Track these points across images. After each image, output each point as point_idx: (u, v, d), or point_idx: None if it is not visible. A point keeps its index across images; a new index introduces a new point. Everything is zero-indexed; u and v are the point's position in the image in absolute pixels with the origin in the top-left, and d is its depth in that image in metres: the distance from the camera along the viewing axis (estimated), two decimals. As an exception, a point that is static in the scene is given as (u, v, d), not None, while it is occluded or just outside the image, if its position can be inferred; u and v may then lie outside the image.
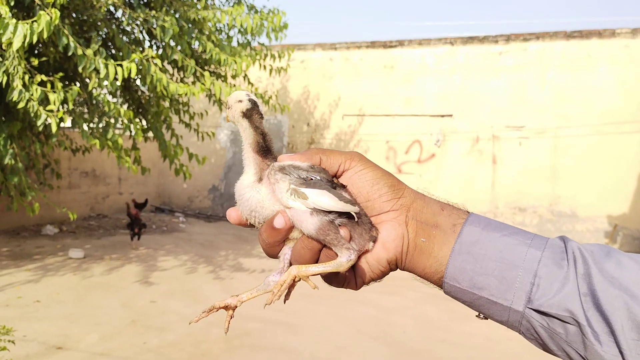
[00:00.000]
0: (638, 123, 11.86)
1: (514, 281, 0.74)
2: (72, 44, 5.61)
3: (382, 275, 0.84)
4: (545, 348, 0.76)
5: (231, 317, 0.90)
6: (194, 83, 8.03)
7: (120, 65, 5.98)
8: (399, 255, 0.82)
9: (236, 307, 0.89)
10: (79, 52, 5.67)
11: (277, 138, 15.27)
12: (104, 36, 7.55)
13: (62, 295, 6.80)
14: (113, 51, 7.66)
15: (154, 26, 6.73)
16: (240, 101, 0.89)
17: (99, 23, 7.06)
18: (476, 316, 0.84)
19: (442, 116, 13.56)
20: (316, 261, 0.84)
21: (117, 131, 6.85)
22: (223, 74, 8.71)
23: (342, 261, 0.80)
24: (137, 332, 5.63)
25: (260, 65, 9.01)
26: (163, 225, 13.20)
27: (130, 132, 6.77)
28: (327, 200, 0.80)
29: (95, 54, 5.97)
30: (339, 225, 0.81)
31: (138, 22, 6.94)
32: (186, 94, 6.74)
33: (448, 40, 13.64)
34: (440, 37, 13.74)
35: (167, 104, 8.67)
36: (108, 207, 14.46)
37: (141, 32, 7.43)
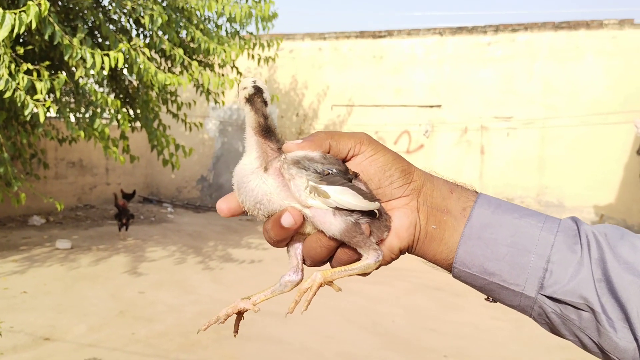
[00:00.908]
0: (625, 114, 11.95)
1: (526, 267, 0.73)
2: (58, 33, 5.53)
3: (391, 261, 0.82)
4: (556, 332, 0.76)
5: (242, 319, 0.86)
6: (181, 72, 7.96)
7: (107, 55, 5.91)
8: (410, 243, 0.80)
9: (248, 310, 0.84)
10: (65, 41, 5.59)
11: (266, 128, 15.18)
12: (90, 25, 7.46)
13: (49, 286, 6.75)
14: (99, 40, 7.57)
15: (142, 14, 6.65)
16: (245, 88, 0.85)
17: (85, 11, 6.97)
18: (485, 299, 0.83)
19: (431, 107, 13.58)
20: (331, 257, 0.81)
21: (103, 121, 6.77)
22: (211, 63, 8.64)
23: (369, 263, 0.77)
24: (125, 322, 5.61)
25: (249, 54, 8.95)
26: (151, 216, 13.14)
27: (118, 121, 6.70)
28: (350, 199, 0.75)
29: (81, 43, 5.89)
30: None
31: (125, 11, 6.85)
32: (174, 84, 6.68)
33: (437, 30, 13.63)
34: (429, 27, 13.72)
35: (154, 93, 8.60)
36: (95, 197, 14.35)
37: (128, 20, 7.35)
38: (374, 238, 0.78)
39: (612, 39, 12.24)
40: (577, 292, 0.70)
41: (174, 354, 4.89)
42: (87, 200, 14.11)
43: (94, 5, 7.28)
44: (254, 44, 8.80)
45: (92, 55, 5.73)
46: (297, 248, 0.83)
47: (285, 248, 0.84)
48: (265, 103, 0.84)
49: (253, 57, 9.02)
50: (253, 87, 0.84)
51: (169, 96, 8.83)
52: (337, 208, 0.76)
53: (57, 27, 5.53)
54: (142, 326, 5.51)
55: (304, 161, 0.78)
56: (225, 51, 7.25)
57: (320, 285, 0.78)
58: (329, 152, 0.80)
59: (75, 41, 5.70)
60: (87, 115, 6.87)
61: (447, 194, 0.81)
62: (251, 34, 9.01)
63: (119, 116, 6.56)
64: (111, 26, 7.28)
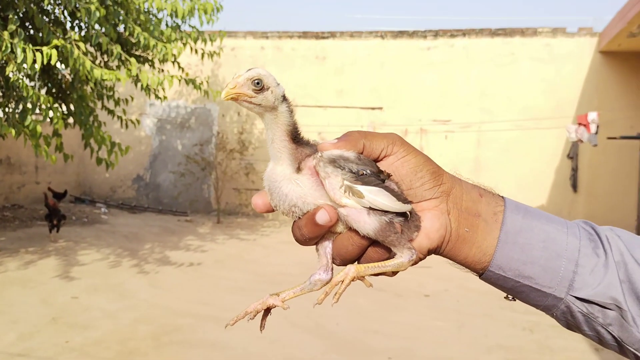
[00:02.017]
0: (557, 119, 12.47)
1: (558, 270, 0.78)
2: (-15, 23, 5.18)
3: (419, 261, 0.82)
4: (573, 328, 0.82)
5: (269, 315, 0.86)
6: (118, 67, 7.66)
7: (40, 51, 5.58)
8: (440, 244, 0.82)
9: (276, 307, 0.84)
10: (-6, 33, 5.25)
11: (206, 127, 14.93)
12: (22, 16, 7.04)
13: (-27, 292, 6.34)
14: (32, 32, 7.16)
15: (77, 7, 6.33)
16: (278, 84, 0.82)
17: (17, 1, 6.57)
18: (505, 297, 0.87)
19: (373, 108, 13.71)
20: (362, 256, 0.81)
21: (35, 117, 6.41)
22: (151, 58, 8.36)
23: (403, 261, 0.78)
24: (58, 330, 5.33)
25: (191, 48, 8.72)
26: (83, 217, 12.61)
27: (50, 118, 6.36)
28: (384, 200, 0.76)
29: (12, 36, 5.54)
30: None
31: (60, 2, 6.51)
32: (111, 80, 6.41)
33: (379, 33, 13.80)
34: (371, 30, 13.88)
35: (89, 88, 8.23)
36: (24, 197, 13.64)
37: (63, 12, 6.99)
38: (404, 238, 0.79)
39: (545, 47, 12.75)
40: (607, 293, 0.76)
41: (111, 363, 4.67)
42: (15, 200, 13.39)
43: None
44: (197, 38, 8.58)
45: (24, 50, 5.39)
46: (327, 247, 0.83)
47: (315, 247, 0.84)
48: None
49: (196, 51, 8.79)
50: (278, 84, 0.82)
51: (105, 91, 8.48)
52: (370, 208, 0.77)
53: (-16, 17, 5.18)
54: (77, 333, 5.25)
55: (340, 160, 0.78)
56: (166, 47, 7.02)
57: (353, 280, 0.79)
58: (362, 152, 0.81)
59: (6, 34, 5.35)
60: (17, 111, 6.48)
61: (476, 197, 0.84)
62: (194, 27, 8.78)
63: (52, 113, 6.22)
64: (45, 18, 6.90)
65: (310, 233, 0.79)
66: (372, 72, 13.79)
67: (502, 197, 0.85)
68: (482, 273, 0.83)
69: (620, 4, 10.23)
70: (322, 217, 0.77)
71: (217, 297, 6.81)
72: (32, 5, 6.49)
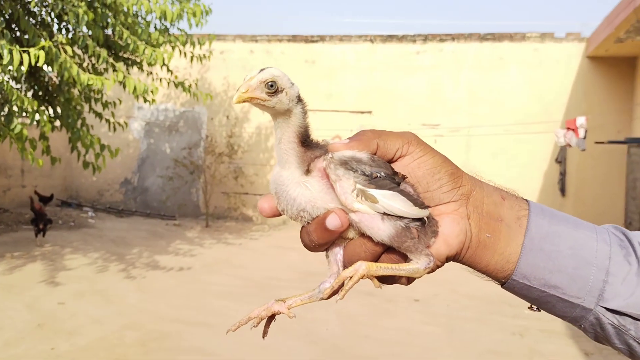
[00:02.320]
0: (545, 124, 12.53)
1: (588, 279, 0.73)
2: (-30, 23, 5.09)
3: (436, 269, 0.77)
4: (602, 341, 0.76)
5: (273, 321, 0.81)
6: (106, 70, 7.58)
7: (27, 52, 5.50)
8: (459, 251, 0.77)
9: (281, 314, 0.79)
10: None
11: (195, 130, 14.84)
12: (7, 17, 6.95)
13: (-44, 298, 6.23)
14: (18, 34, 7.07)
15: (64, 9, 6.25)
16: (293, 84, 0.78)
17: (2, 3, 6.49)
18: (529, 308, 0.81)
19: (362, 112, 13.71)
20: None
21: (21, 120, 6.32)
22: (139, 61, 8.29)
23: (419, 268, 0.73)
24: (44, 336, 5.24)
25: (180, 52, 8.66)
26: (70, 221, 12.47)
27: (36, 121, 6.27)
28: (400, 205, 0.72)
29: (-2, 37, 5.46)
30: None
31: (46, 4, 6.43)
32: (96, 85, 6.33)
33: (368, 37, 13.80)
34: (360, 34, 13.88)
35: (77, 91, 8.14)
36: (10, 200, 13.45)
37: (49, 14, 6.90)
38: (421, 244, 0.74)
39: (533, 51, 12.82)
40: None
41: (98, 370, 4.60)
42: (0, 204, 13.21)
43: (12, -4, 6.79)
44: (185, 42, 8.53)
45: (10, 52, 5.31)
46: (338, 253, 0.79)
47: (325, 253, 0.80)
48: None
49: (185, 54, 8.73)
50: (292, 84, 0.78)
51: (92, 94, 8.39)
52: (384, 213, 0.73)
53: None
54: (63, 340, 5.16)
55: (352, 162, 0.74)
56: (155, 52, 6.95)
57: (362, 277, 0.73)
58: (376, 153, 0.76)
59: (-9, 35, 5.27)
60: (2, 114, 6.39)
61: (499, 200, 0.79)
62: (183, 30, 8.73)
63: (38, 115, 6.13)
64: (31, 20, 6.81)
65: (320, 239, 0.75)
66: (362, 76, 13.79)
67: (526, 200, 0.81)
68: (505, 282, 0.78)
69: (607, 10, 10.32)
70: (332, 222, 0.73)
71: (206, 302, 6.74)
72: (18, 7, 6.41)
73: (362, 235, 0.74)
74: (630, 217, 9.80)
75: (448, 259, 0.77)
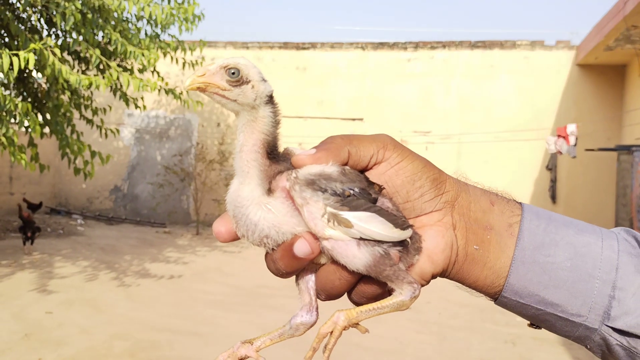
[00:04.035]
0: (535, 131, 12.58)
1: (590, 295, 0.63)
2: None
3: (422, 286, 0.68)
4: None
5: None
6: (97, 76, 7.53)
7: (17, 55, 5.44)
8: (445, 267, 0.67)
9: (249, 358, 0.69)
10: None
11: (186, 137, 14.78)
12: (-3, 23, 6.89)
13: (-59, 308, 6.12)
14: (7, 40, 7.00)
15: (54, 13, 6.20)
16: (264, 80, 0.67)
17: (-9, 8, 6.43)
18: (529, 325, 0.72)
19: (353, 119, 13.70)
20: (352, 290, 0.68)
21: (10, 126, 6.24)
22: (129, 67, 8.23)
23: (404, 300, 0.64)
24: (31, 346, 5.15)
25: (172, 58, 8.61)
26: (59, 228, 12.34)
27: (26, 127, 6.20)
28: (378, 228, 0.62)
29: (-14, 42, 5.40)
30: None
31: (36, 9, 6.37)
32: (89, 87, 6.27)
33: (359, 45, 13.82)
34: (352, 41, 13.90)
35: (66, 98, 8.07)
36: (-3, 208, 13.32)
37: (39, 20, 6.84)
38: (402, 265, 0.65)
39: (524, 59, 12.89)
40: None
41: (86, 381, 4.52)
42: (-13, 211, 13.07)
43: (1, 2, 6.73)
44: (176, 47, 8.48)
45: (0, 56, 5.25)
46: (309, 281, 0.69)
47: (294, 280, 0.70)
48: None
49: (177, 61, 8.68)
50: (264, 80, 0.67)
51: (82, 101, 8.32)
52: (361, 238, 0.62)
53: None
54: (50, 350, 5.07)
55: (320, 180, 0.63)
56: (144, 55, 6.90)
57: (345, 329, 0.65)
58: (347, 162, 0.66)
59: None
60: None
61: (487, 206, 0.70)
62: (173, 36, 8.68)
63: (28, 121, 6.06)
64: (21, 25, 6.75)
65: (288, 267, 0.65)
66: (353, 83, 13.81)
67: (520, 203, 0.71)
68: (497, 298, 0.69)
69: (596, 18, 10.39)
70: (301, 249, 0.63)
71: (196, 311, 6.67)
72: (7, 12, 6.35)
73: (336, 261, 0.65)
74: (620, 224, 9.83)
75: (434, 276, 0.68)
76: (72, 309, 6.46)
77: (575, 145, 10.33)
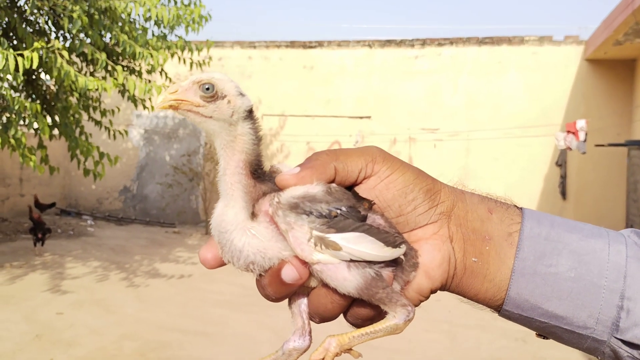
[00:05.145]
0: (544, 127, 12.50)
1: (596, 306, 0.60)
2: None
3: (420, 303, 0.67)
4: None
5: None
6: (104, 78, 7.56)
7: (22, 55, 5.46)
8: (444, 281, 0.65)
9: None
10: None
11: (194, 137, 14.82)
12: (4, 25, 6.93)
13: (-47, 309, 6.17)
14: (15, 42, 7.04)
15: (61, 16, 6.23)
16: (242, 95, 0.64)
17: (-2, 11, 6.47)
18: (536, 335, 0.69)
19: (361, 118, 13.68)
20: (345, 313, 0.66)
21: (19, 127, 6.29)
22: (137, 68, 8.26)
23: (398, 323, 0.62)
24: (42, 347, 5.18)
25: (179, 58, 8.63)
26: (69, 229, 12.42)
27: (35, 129, 6.24)
28: (368, 249, 0.60)
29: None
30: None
31: (43, 12, 6.40)
32: (97, 89, 6.29)
33: (366, 42, 13.79)
34: (358, 39, 13.88)
35: (75, 99, 8.11)
36: (8, 209, 13.40)
37: (46, 22, 6.87)
38: (398, 284, 0.63)
39: (532, 55, 12.80)
40: None
41: (97, 382, 4.55)
42: (-2, 213, 13.17)
43: (8, 4, 6.76)
44: (184, 48, 8.50)
45: (5, 56, 5.28)
46: (302, 304, 0.67)
47: (287, 303, 0.68)
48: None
49: (184, 61, 8.70)
50: (242, 94, 0.64)
51: (90, 102, 8.36)
52: (351, 260, 0.60)
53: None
54: (61, 351, 5.10)
55: (304, 203, 0.60)
56: (152, 55, 6.92)
57: (336, 355, 0.63)
58: (334, 180, 0.64)
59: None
60: (2, 121, 6.36)
61: (485, 215, 0.66)
62: (180, 37, 8.70)
63: (38, 122, 6.09)
64: (28, 28, 6.78)
65: (277, 293, 0.64)
66: (360, 81, 13.78)
67: (521, 208, 0.67)
68: (500, 311, 0.66)
69: (605, 12, 10.32)
70: (289, 275, 0.61)
71: (205, 311, 6.68)
72: (14, 15, 6.38)
73: (327, 285, 0.63)
74: (631, 220, 9.75)
75: (432, 291, 0.66)
76: (82, 309, 6.50)
77: (585, 141, 10.25)
